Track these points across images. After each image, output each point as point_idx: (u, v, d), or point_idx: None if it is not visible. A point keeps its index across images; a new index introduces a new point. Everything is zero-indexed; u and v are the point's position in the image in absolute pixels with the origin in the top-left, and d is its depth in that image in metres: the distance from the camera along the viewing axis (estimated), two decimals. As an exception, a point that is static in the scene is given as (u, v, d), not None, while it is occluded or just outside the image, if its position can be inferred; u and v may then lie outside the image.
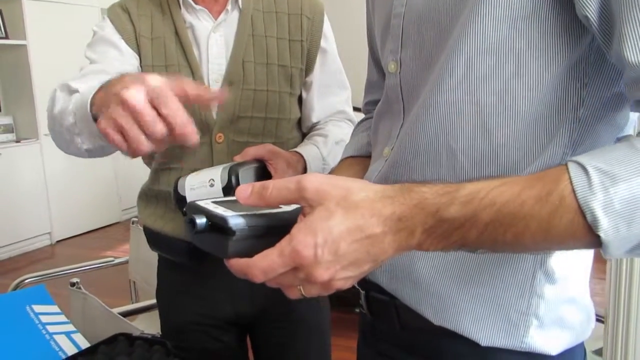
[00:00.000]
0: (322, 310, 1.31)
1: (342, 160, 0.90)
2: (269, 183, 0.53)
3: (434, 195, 0.51)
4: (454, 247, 0.53)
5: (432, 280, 0.66)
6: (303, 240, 0.50)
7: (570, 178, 0.48)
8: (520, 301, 0.63)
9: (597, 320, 0.87)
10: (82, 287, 1.43)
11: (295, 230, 0.51)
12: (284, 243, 0.51)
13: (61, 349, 1.05)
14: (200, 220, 0.55)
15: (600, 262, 0.83)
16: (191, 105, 0.65)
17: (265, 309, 1.23)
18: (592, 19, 0.53)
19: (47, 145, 4.51)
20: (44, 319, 1.09)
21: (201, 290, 1.22)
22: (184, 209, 0.94)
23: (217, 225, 0.54)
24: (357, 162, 0.86)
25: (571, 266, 0.65)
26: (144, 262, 2.01)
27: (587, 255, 0.67)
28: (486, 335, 0.64)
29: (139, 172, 5.26)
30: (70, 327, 1.10)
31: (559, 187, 0.48)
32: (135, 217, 2.15)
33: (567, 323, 0.65)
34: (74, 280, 1.43)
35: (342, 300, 2.29)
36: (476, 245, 0.52)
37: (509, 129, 0.60)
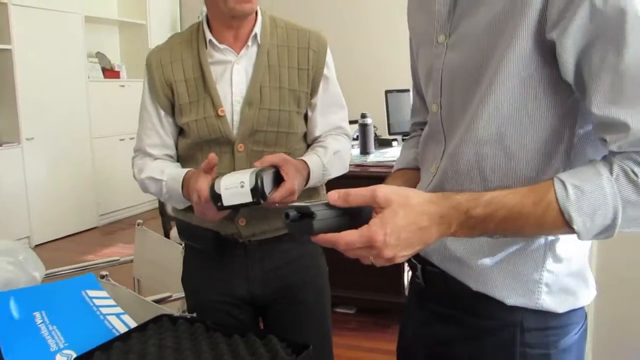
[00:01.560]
0: (324, 296, 1.52)
1: (395, 171, 1.13)
2: (350, 191, 0.75)
3: (464, 201, 0.75)
4: (477, 235, 0.77)
5: (472, 261, 0.88)
6: (377, 229, 0.72)
7: (555, 191, 0.73)
8: (535, 274, 0.86)
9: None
10: (110, 279, 1.59)
11: (372, 222, 0.73)
12: (364, 229, 0.72)
13: (114, 327, 1.19)
14: (293, 213, 0.75)
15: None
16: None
17: (275, 292, 1.44)
18: (571, 83, 0.77)
19: (28, 150, 4.57)
20: (97, 302, 1.23)
21: (221, 274, 1.43)
22: (223, 204, 1.14)
23: (304, 212, 0.74)
24: (406, 173, 1.10)
25: (573, 251, 0.87)
26: (148, 261, 2.14)
27: (586, 243, 0.89)
28: (510, 297, 0.86)
29: (117, 180, 5.41)
30: (119, 310, 1.24)
31: (547, 196, 0.73)
32: (140, 220, 2.30)
33: (570, 291, 0.87)
34: (104, 273, 1.58)
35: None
36: (493, 233, 0.76)
37: (524, 155, 0.83)
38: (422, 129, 1.08)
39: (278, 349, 1.08)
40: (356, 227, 0.74)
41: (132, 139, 5.48)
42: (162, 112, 1.40)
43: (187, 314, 1.26)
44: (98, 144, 5.25)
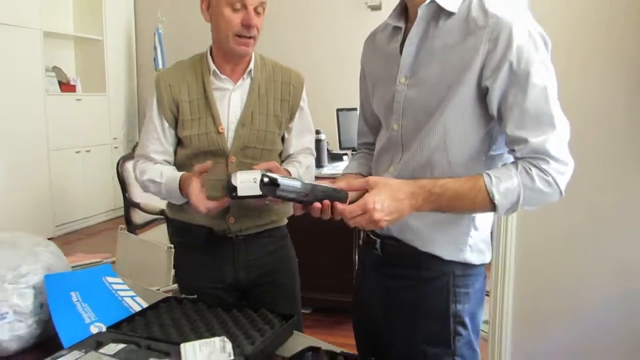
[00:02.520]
0: (295, 280, 1.87)
1: (345, 174, 1.45)
2: (350, 179, 1.18)
3: (427, 183, 1.13)
4: (435, 208, 1.13)
5: (421, 230, 1.24)
6: (369, 199, 1.08)
7: (484, 179, 1.10)
8: (462, 238, 1.24)
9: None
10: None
11: (365, 195, 1.09)
12: (360, 201, 1.08)
13: (130, 306, 1.45)
14: (265, 178, 1.18)
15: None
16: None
17: (257, 277, 1.75)
18: (494, 115, 1.14)
19: (-14, 161, 4.65)
20: (114, 286, 1.49)
21: (212, 264, 1.73)
22: (238, 194, 1.38)
23: (273, 181, 1.18)
24: (350, 176, 1.44)
25: (483, 225, 1.26)
26: (132, 261, 2.38)
27: (489, 220, 1.28)
28: (446, 254, 1.24)
29: (73, 192, 5.55)
30: (132, 293, 1.50)
31: (478, 183, 1.11)
32: (122, 225, 2.53)
33: (481, 250, 1.27)
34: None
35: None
36: (445, 208, 1.13)
37: (459, 161, 1.19)
38: (367, 148, 1.48)
39: (270, 318, 1.38)
40: (310, 205, 1.16)
41: (87, 151, 5.64)
42: (167, 125, 1.68)
43: (189, 296, 1.52)
44: (55, 156, 5.35)
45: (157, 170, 1.67)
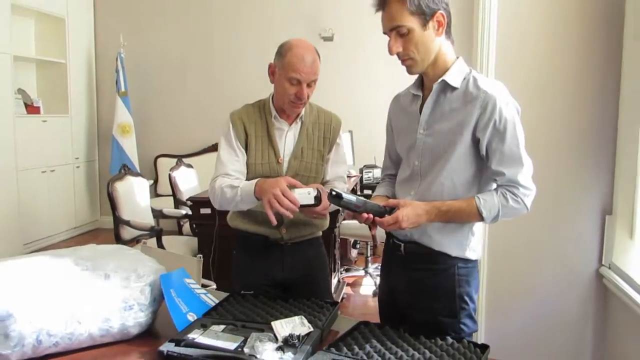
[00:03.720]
0: (328, 278, 2.35)
1: (375, 196, 1.93)
2: (390, 200, 1.66)
3: (438, 204, 1.65)
4: (441, 220, 1.66)
5: (436, 235, 1.72)
6: (399, 214, 1.60)
7: (475, 201, 1.66)
8: (464, 241, 1.73)
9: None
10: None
11: (397, 211, 1.60)
12: (393, 215, 1.60)
13: (206, 301, 1.85)
14: (333, 192, 1.63)
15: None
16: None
17: (300, 276, 2.19)
18: (484, 155, 1.67)
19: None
20: (191, 286, 1.88)
21: (263, 264, 2.17)
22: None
23: (338, 194, 1.62)
24: (382, 198, 1.90)
25: (478, 231, 1.76)
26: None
27: (481, 228, 1.78)
28: (453, 251, 1.74)
29: (40, 210, 5.84)
30: (204, 290, 1.90)
31: (472, 203, 1.67)
32: (145, 241, 2.86)
33: (476, 249, 1.77)
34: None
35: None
36: (447, 220, 1.67)
37: (461, 187, 1.69)
38: (390, 178, 1.98)
39: (322, 304, 1.82)
40: (360, 214, 1.64)
41: (52, 171, 5.82)
42: (243, 151, 2.11)
43: (248, 292, 1.93)
44: (23, 176, 5.50)
45: (236, 181, 2.05)
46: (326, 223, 2.27)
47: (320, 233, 2.30)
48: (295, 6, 6.19)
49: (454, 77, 1.67)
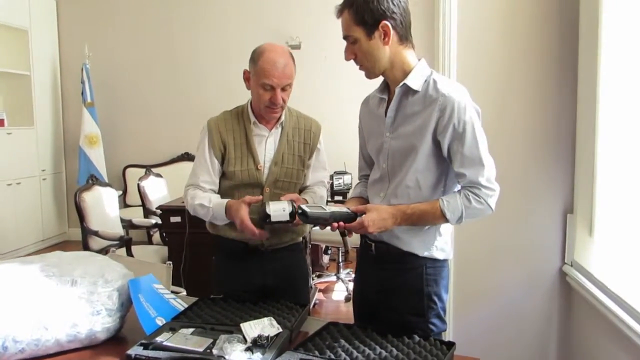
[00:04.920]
0: (306, 284, 2.37)
1: (351, 198, 1.97)
2: (356, 203, 1.71)
3: (403, 207, 1.67)
4: (409, 224, 1.68)
5: (404, 236, 1.75)
6: (365, 218, 1.62)
7: (439, 203, 1.68)
8: (431, 241, 1.76)
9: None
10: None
11: (363, 216, 1.62)
12: (359, 220, 1.62)
13: (175, 306, 1.85)
14: (299, 210, 1.70)
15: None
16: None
17: (279, 282, 2.18)
18: (446, 157, 1.70)
19: None
20: (160, 291, 1.88)
21: (242, 271, 2.16)
22: (271, 221, 1.82)
23: (303, 211, 1.67)
24: (358, 199, 1.94)
25: (445, 232, 1.79)
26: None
27: (449, 229, 1.81)
28: (420, 251, 1.76)
29: (5, 223, 5.75)
30: (173, 295, 1.90)
31: (436, 205, 1.69)
32: (114, 249, 2.84)
33: (444, 249, 1.80)
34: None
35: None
36: (416, 222, 1.69)
37: (426, 189, 1.73)
38: (365, 178, 1.99)
39: (291, 305, 1.84)
40: (327, 225, 1.66)
41: (18, 183, 5.71)
42: (216, 161, 2.12)
43: (217, 296, 1.94)
44: (-13, 189, 5.40)
45: (206, 197, 2.09)
46: (306, 229, 2.29)
47: (301, 239, 2.30)
48: (263, 15, 6.22)
49: (414, 81, 1.70)
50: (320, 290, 4.92)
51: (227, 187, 2.16)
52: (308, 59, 6.01)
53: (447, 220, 1.68)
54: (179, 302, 1.89)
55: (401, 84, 1.71)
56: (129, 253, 3.89)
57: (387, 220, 1.66)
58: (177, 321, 1.70)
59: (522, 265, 2.69)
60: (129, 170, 6.52)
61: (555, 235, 2.66)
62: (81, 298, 1.59)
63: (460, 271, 2.69)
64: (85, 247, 3.97)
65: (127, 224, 4.57)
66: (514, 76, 2.60)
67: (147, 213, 4.87)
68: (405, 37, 1.71)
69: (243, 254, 2.16)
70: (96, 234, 3.95)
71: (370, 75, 1.73)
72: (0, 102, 6.05)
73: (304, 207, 1.66)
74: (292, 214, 1.80)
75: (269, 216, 1.81)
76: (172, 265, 2.52)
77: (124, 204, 6.35)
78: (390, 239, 1.78)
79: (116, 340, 1.68)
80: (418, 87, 1.70)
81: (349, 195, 2.04)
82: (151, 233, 4.90)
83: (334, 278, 5.13)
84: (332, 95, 6.11)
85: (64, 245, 6.39)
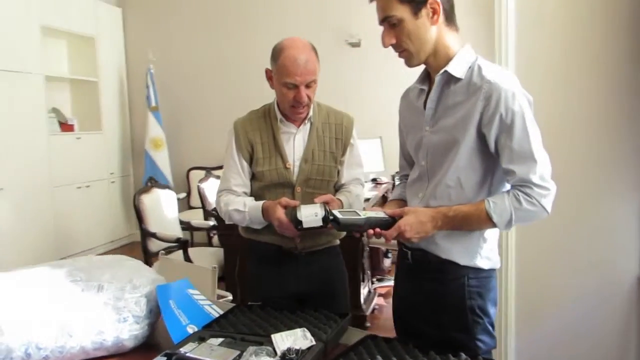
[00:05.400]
0: (345, 291, 2.20)
1: (391, 200, 1.83)
2: (394, 207, 1.55)
3: (443, 209, 1.50)
4: (451, 228, 1.51)
5: (443, 242, 1.59)
6: (401, 223, 1.47)
7: (485, 205, 1.49)
8: (475, 248, 1.58)
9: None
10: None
11: (399, 221, 1.47)
12: (395, 225, 1.47)
13: (210, 313, 1.77)
14: (331, 217, 1.58)
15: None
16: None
17: (315, 288, 2.07)
18: (493, 152, 1.51)
19: (-2, 200, 4.88)
20: (195, 297, 1.80)
21: (279, 275, 2.06)
22: (303, 227, 1.72)
23: (335, 217, 1.55)
24: (398, 201, 1.81)
25: (490, 237, 1.61)
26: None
27: (495, 234, 1.62)
28: (462, 260, 1.58)
29: (75, 225, 5.87)
30: (209, 302, 1.82)
31: (480, 207, 1.51)
32: (163, 251, 2.82)
33: (490, 258, 1.61)
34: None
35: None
36: (456, 227, 1.52)
37: (469, 188, 1.55)
38: (406, 179, 1.82)
39: (331, 315, 1.71)
40: (362, 232, 1.55)
41: (87, 187, 5.89)
42: (245, 162, 2.04)
43: (255, 303, 1.84)
44: (58, 192, 5.59)
45: (241, 201, 2.00)
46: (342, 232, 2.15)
47: (338, 242, 2.18)
48: (322, 14, 6.13)
49: (457, 67, 1.54)
50: (380, 295, 4.76)
51: (258, 188, 2.06)
52: (367, 57, 5.87)
53: (494, 225, 1.50)
54: (215, 308, 1.81)
55: (442, 71, 1.55)
56: (186, 255, 3.89)
57: (426, 224, 1.51)
58: (209, 330, 1.61)
59: (594, 273, 2.43)
60: (192, 172, 6.59)
61: (633, 240, 2.40)
62: (107, 304, 1.53)
63: (523, 280, 2.48)
64: (144, 248, 4.00)
65: (187, 226, 4.59)
66: (581, 59, 2.36)
67: (207, 215, 4.89)
68: (451, 17, 1.55)
69: (277, 258, 2.05)
70: (154, 235, 3.97)
71: (413, 61, 1.57)
72: (70, 108, 6.27)
73: (336, 212, 1.53)
74: (326, 219, 1.68)
75: (300, 222, 1.71)
76: (217, 269, 2.46)
77: (187, 206, 6.43)
78: (427, 246, 1.62)
79: (145, 347, 1.61)
80: (461, 75, 1.53)
81: (390, 196, 1.89)
82: (211, 235, 4.91)
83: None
84: (392, 93, 5.93)
85: (131, 246, 6.54)
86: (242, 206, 1.99)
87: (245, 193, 2.07)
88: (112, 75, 6.54)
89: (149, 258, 3.99)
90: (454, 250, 1.58)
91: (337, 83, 5.61)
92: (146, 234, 3.99)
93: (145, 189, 4.15)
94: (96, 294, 1.53)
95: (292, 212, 1.77)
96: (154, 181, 4.33)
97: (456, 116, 1.53)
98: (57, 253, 5.55)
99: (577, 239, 2.42)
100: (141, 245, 4.03)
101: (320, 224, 1.67)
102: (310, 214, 1.70)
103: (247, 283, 2.18)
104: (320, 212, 1.70)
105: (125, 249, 6.46)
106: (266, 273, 2.09)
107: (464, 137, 1.51)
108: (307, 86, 1.92)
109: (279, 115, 2.04)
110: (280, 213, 1.86)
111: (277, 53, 1.94)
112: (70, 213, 5.75)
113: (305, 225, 1.67)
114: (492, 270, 1.63)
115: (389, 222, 1.53)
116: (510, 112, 1.45)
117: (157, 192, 4.23)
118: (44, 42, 5.53)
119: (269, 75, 2.01)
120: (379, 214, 1.56)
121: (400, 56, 1.58)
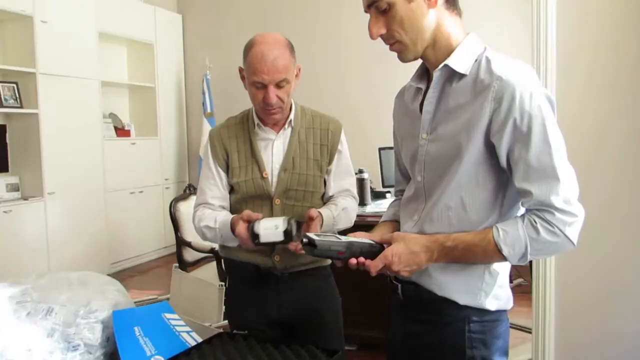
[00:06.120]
0: (338, 318, 1.94)
1: (382, 222, 1.54)
2: (384, 231, 1.29)
3: (440, 237, 1.21)
4: (449, 260, 1.22)
5: (438, 275, 1.29)
6: (387, 253, 1.18)
7: (492, 233, 1.19)
8: (478, 284, 1.28)
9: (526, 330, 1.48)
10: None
11: (386, 250, 1.19)
12: (382, 255, 1.18)
13: (187, 341, 1.57)
14: (304, 240, 1.25)
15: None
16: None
17: (301, 315, 1.84)
18: (505, 167, 1.20)
19: (50, 203, 4.95)
20: (172, 322, 1.61)
21: (257, 299, 1.84)
22: (260, 241, 1.53)
23: (311, 241, 1.23)
24: (390, 223, 1.52)
25: (500, 272, 1.29)
26: (183, 298, 2.51)
27: (506, 268, 1.31)
28: (462, 299, 1.28)
29: (127, 230, 5.82)
30: (188, 328, 1.62)
31: (488, 235, 1.20)
32: (175, 263, 2.67)
33: (498, 297, 1.30)
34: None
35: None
36: (458, 259, 1.22)
37: (474, 211, 1.25)
38: (402, 195, 1.51)
39: (317, 353, 1.47)
40: (345, 260, 1.24)
41: (140, 192, 5.90)
42: (221, 171, 1.84)
43: (240, 332, 1.63)
44: (111, 197, 5.63)
45: (212, 216, 1.80)
46: None
47: (329, 261, 1.90)
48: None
49: (459, 61, 1.24)
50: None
51: (235, 201, 1.85)
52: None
53: (503, 258, 1.19)
54: (193, 337, 1.60)
55: (441, 65, 1.25)
56: (220, 267, 3.73)
57: (418, 255, 1.22)
58: (174, 363, 1.41)
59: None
60: (245, 180, 6.50)
61: None
62: (55, 330, 1.35)
63: (565, 318, 2.11)
64: (179, 258, 3.88)
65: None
66: (626, 59, 1.99)
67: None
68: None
69: (256, 278, 1.83)
70: (189, 245, 3.84)
71: (407, 54, 1.27)
72: (128, 114, 6.34)
73: (311, 235, 1.25)
74: (288, 233, 1.49)
75: (257, 236, 1.52)
76: (224, 287, 2.27)
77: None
78: (420, 279, 1.32)
79: (103, 380, 1.43)
80: (465, 70, 1.24)
81: (381, 218, 1.59)
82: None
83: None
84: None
85: (184, 253, 6.52)
86: (213, 222, 1.79)
87: (224, 207, 1.86)
88: (169, 81, 6.57)
89: (184, 268, 3.87)
90: (452, 285, 1.28)
91: (386, 92, 5.32)
92: (182, 243, 3.87)
93: (183, 196, 4.04)
94: (43, 318, 1.36)
95: (252, 225, 1.58)
96: (192, 188, 4.21)
97: (459, 121, 1.24)
98: (108, 258, 5.60)
99: (624, 271, 2.03)
100: (176, 255, 3.92)
101: (281, 238, 1.48)
102: (270, 227, 1.53)
103: (228, 307, 1.97)
104: (282, 226, 1.51)
105: (175, 257, 6.43)
106: (245, 296, 1.88)
107: (468, 147, 1.22)
108: (278, 86, 1.71)
109: (256, 120, 1.83)
110: (241, 227, 1.64)
111: (246, 50, 1.75)
112: (122, 218, 5.78)
113: (262, 240, 1.49)
114: (500, 312, 1.31)
115: (376, 250, 1.26)
116: (526, 116, 1.15)
117: (194, 199, 4.11)
118: (102, 48, 5.61)
119: (242, 75, 1.81)
120: (364, 239, 1.29)
121: (392, 49, 1.29)
